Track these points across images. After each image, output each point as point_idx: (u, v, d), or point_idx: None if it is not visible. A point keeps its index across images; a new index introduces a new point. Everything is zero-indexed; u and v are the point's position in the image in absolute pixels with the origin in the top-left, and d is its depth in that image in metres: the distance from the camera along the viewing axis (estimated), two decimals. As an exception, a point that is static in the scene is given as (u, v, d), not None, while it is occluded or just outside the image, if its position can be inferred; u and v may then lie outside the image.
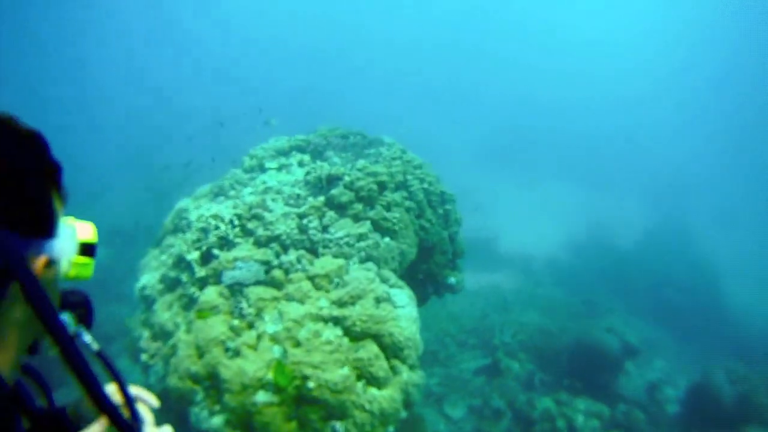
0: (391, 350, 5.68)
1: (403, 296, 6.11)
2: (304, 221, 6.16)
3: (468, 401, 8.47)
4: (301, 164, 7.05)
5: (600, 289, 13.28)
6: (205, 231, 6.18)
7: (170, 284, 6.35)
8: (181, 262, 6.26)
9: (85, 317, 1.64)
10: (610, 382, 8.91)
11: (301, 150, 7.41)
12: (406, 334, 5.73)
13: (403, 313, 5.96)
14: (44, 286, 1.12)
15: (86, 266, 1.52)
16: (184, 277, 6.19)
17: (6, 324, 1.18)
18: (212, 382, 5.53)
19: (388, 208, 6.48)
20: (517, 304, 11.82)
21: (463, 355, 9.57)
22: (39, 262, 1.20)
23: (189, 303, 6.07)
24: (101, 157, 22.87)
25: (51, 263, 1.24)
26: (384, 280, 6.20)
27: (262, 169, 7.13)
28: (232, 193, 6.76)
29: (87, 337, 1.56)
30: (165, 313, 6.16)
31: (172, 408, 5.81)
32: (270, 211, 6.27)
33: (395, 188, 6.71)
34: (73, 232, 1.43)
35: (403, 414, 5.74)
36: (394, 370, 5.68)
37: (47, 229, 1.25)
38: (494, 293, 12.53)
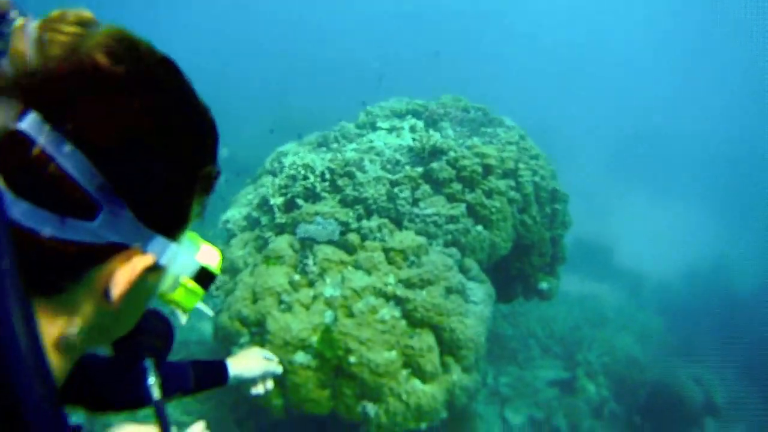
0: (448, 346, 5.03)
1: (480, 292, 5.39)
2: (395, 189, 5.59)
3: (532, 411, 7.58)
4: (412, 130, 6.44)
5: (704, 330, 11.37)
6: (293, 178, 5.83)
7: (251, 223, 6.12)
8: (264, 205, 5.97)
9: (161, 351, 1.39)
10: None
11: (417, 115, 6.80)
12: (468, 334, 5.04)
13: (473, 309, 5.26)
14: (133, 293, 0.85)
15: (193, 296, 1.25)
16: (264, 220, 5.91)
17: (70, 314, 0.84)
18: (259, 330, 5.24)
19: (489, 194, 5.72)
20: (613, 323, 10.39)
21: (544, 361, 8.57)
22: (142, 260, 0.83)
23: (263, 246, 5.78)
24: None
25: (155, 269, 0.88)
26: (464, 270, 5.52)
27: (374, 128, 6.63)
28: (334, 145, 6.33)
29: (151, 379, 1.32)
30: (239, 251, 5.94)
31: (221, 344, 5.64)
32: (364, 171, 5.77)
33: (502, 175, 5.91)
34: (197, 250, 1.08)
35: (443, 415, 5.10)
36: (445, 368, 5.04)
37: (173, 225, 0.89)
38: (594, 305, 11.12)
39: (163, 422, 1.34)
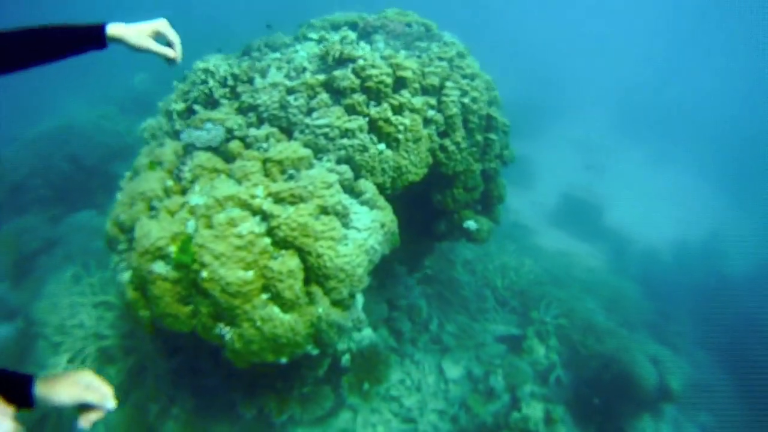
0: (315, 274, 4.16)
1: (366, 218, 4.44)
2: (290, 97, 4.68)
3: (471, 365, 6.52)
4: (342, 42, 5.45)
5: (683, 306, 9.52)
6: (194, 83, 5.05)
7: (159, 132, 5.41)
8: (169, 112, 5.25)
9: None
10: (628, 419, 6.26)
11: (353, 27, 5.77)
12: (338, 263, 4.13)
13: (354, 236, 4.32)
14: None
15: None
16: (166, 127, 5.19)
17: None
18: (131, 236, 4.58)
19: (398, 110, 4.68)
20: (581, 284, 8.84)
21: (497, 314, 7.36)
22: None
23: (158, 153, 5.07)
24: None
25: None
26: (357, 193, 4.57)
27: (306, 39, 5.69)
28: (256, 54, 5.45)
29: None
30: (144, 158, 5.25)
31: (108, 250, 5.06)
32: (265, 78, 4.88)
33: (420, 91, 4.83)
34: None
35: (311, 351, 4.28)
36: (310, 298, 4.16)
37: None
38: (566, 263, 9.61)
39: None
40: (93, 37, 2.25)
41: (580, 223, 12.15)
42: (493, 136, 5.15)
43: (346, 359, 5.60)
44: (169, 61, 2.43)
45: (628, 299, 8.93)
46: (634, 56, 31.19)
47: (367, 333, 5.98)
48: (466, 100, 4.92)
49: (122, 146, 8.39)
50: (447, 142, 4.88)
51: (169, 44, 2.43)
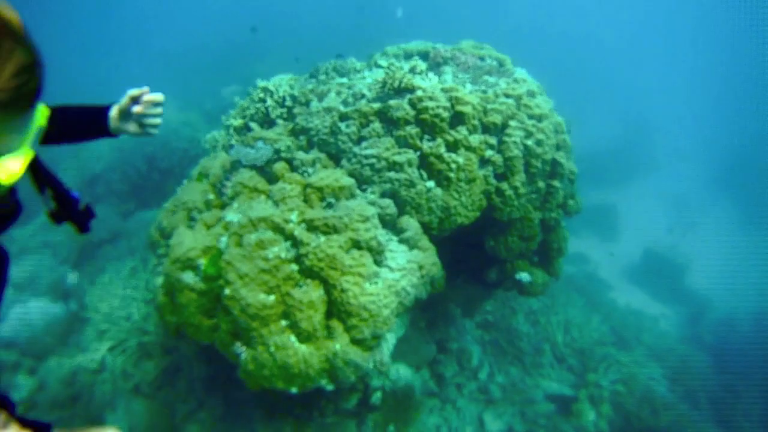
0: (337, 309, 3.93)
1: (402, 258, 4.14)
2: (342, 124, 4.49)
3: (514, 421, 5.94)
4: (413, 71, 5.20)
5: (756, 384, 8.13)
6: (253, 101, 4.99)
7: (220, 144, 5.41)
8: (227, 126, 5.23)
9: None
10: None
11: (424, 57, 5.51)
12: (363, 300, 3.87)
13: (385, 275, 4.05)
14: None
15: None
16: (223, 140, 5.17)
17: None
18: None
19: (453, 147, 4.36)
20: (646, 349, 7.84)
21: (553, 371, 6.69)
22: None
23: (212, 165, 5.04)
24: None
25: None
26: (398, 230, 4.28)
27: (377, 66, 5.50)
28: (322, 77, 5.33)
29: None
30: (199, 168, 5.28)
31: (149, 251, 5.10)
32: (321, 101, 4.73)
33: (480, 129, 4.48)
34: None
35: (326, 386, 4.02)
36: (329, 332, 3.92)
37: None
38: (634, 324, 8.57)
39: None
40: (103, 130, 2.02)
41: (660, 282, 11.20)
42: (557, 183, 4.70)
43: (376, 397, 5.30)
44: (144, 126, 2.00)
45: (696, 371, 7.92)
46: (739, 110, 28.34)
47: (406, 373, 5.64)
48: (529, 142, 4.52)
49: (199, 153, 8.61)
50: (504, 185, 4.50)
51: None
